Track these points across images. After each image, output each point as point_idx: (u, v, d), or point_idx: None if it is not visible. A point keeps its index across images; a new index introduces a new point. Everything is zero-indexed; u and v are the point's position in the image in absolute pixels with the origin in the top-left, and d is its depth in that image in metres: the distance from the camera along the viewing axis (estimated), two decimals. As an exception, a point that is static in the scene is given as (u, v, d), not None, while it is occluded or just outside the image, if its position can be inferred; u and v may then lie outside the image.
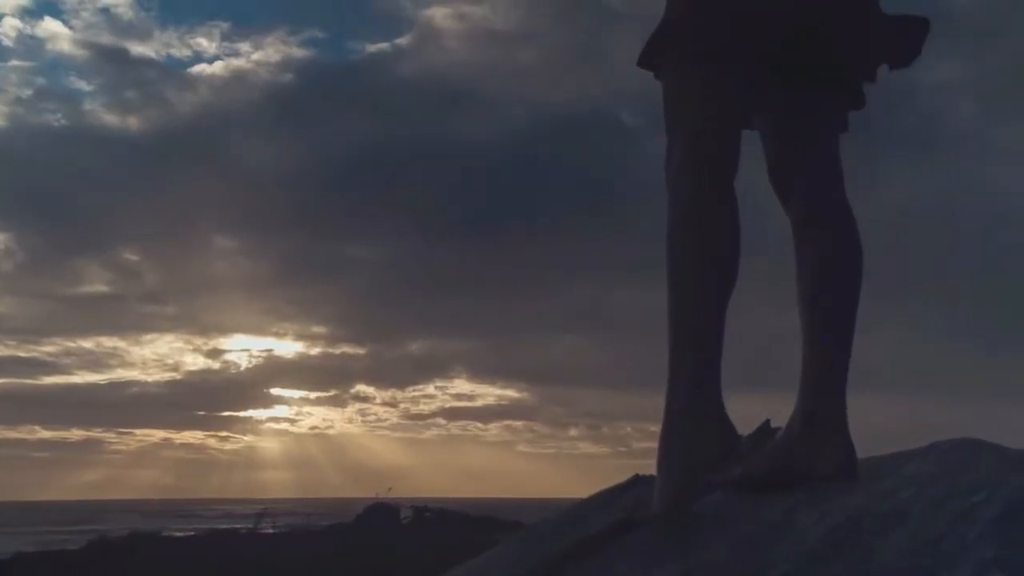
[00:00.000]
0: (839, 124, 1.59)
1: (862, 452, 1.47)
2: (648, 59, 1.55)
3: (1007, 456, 1.39)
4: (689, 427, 1.41)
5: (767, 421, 1.54)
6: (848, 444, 1.44)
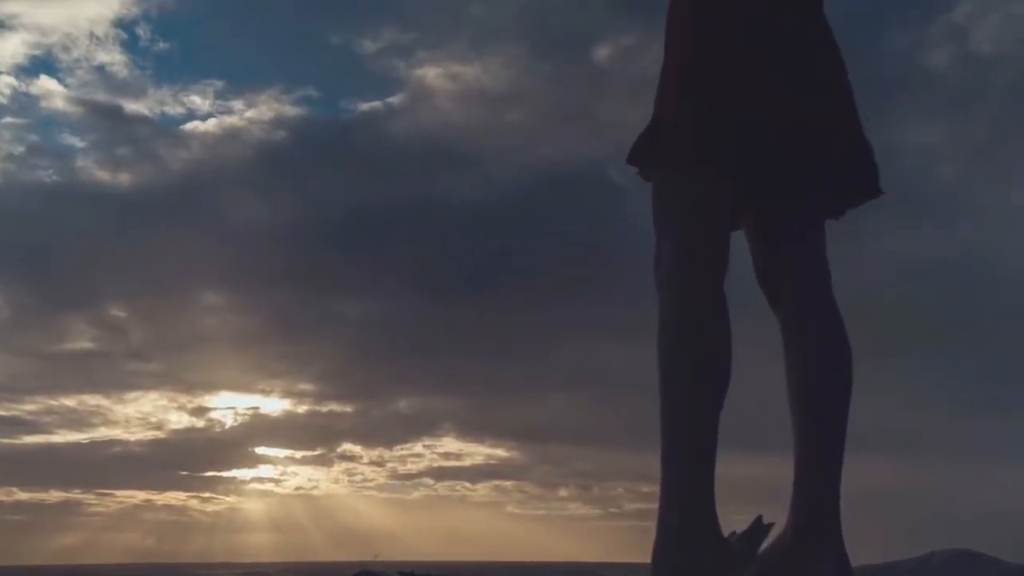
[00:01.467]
0: (831, 212, 1.59)
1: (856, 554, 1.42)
2: (638, 158, 1.54)
3: (1005, 570, 1.35)
4: (682, 550, 1.36)
5: (759, 518, 1.49)
6: (842, 558, 1.40)
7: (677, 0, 1.58)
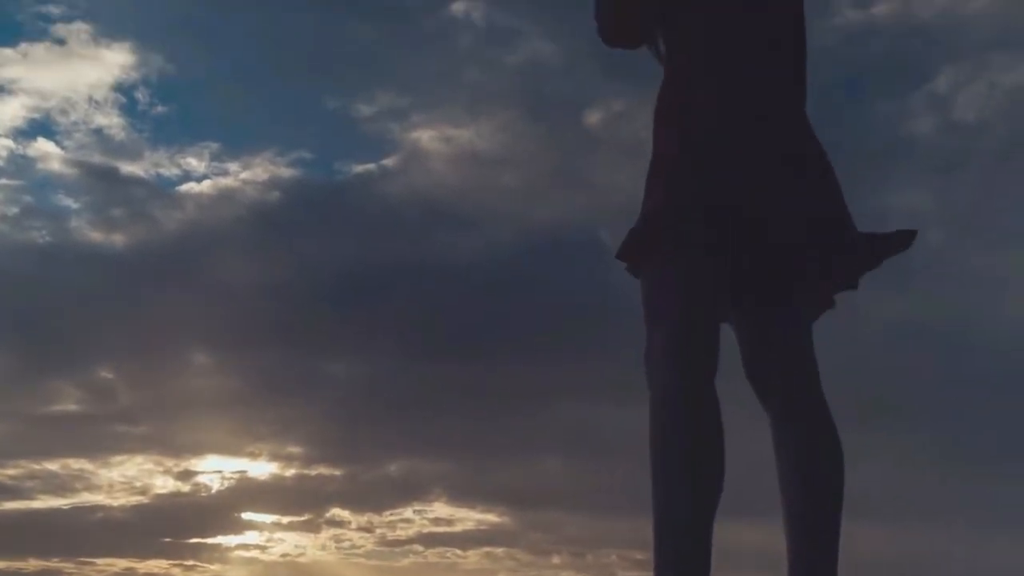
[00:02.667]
0: (820, 305, 1.60)
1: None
2: (628, 253, 1.55)
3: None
4: None
5: None
6: None
7: (664, 98, 1.60)
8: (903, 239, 1.54)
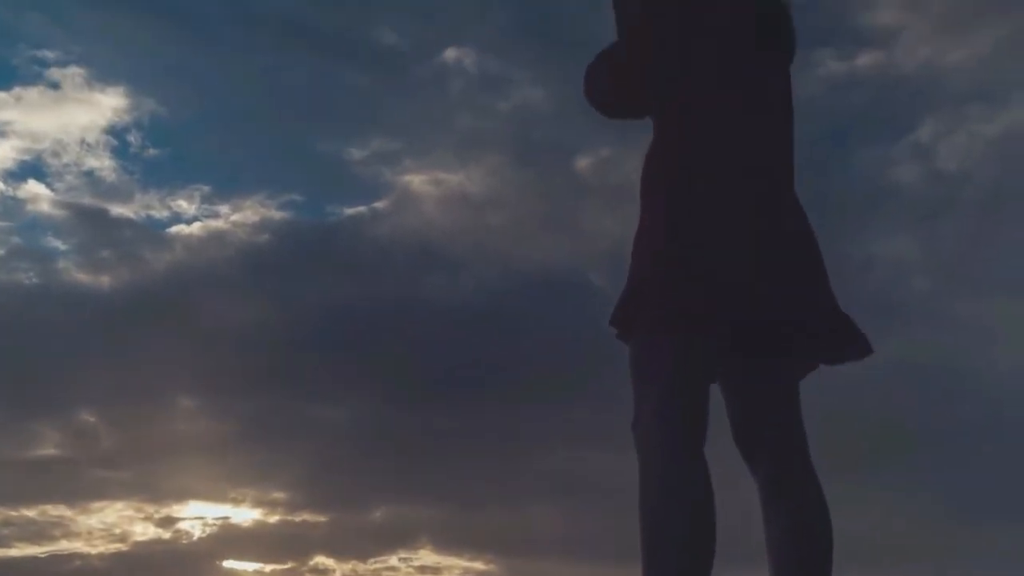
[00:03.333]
0: (806, 370, 1.60)
1: None
2: (618, 321, 1.55)
3: None
4: None
5: None
6: None
7: (653, 167, 1.61)
8: (863, 349, 1.56)
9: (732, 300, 1.47)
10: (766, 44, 1.64)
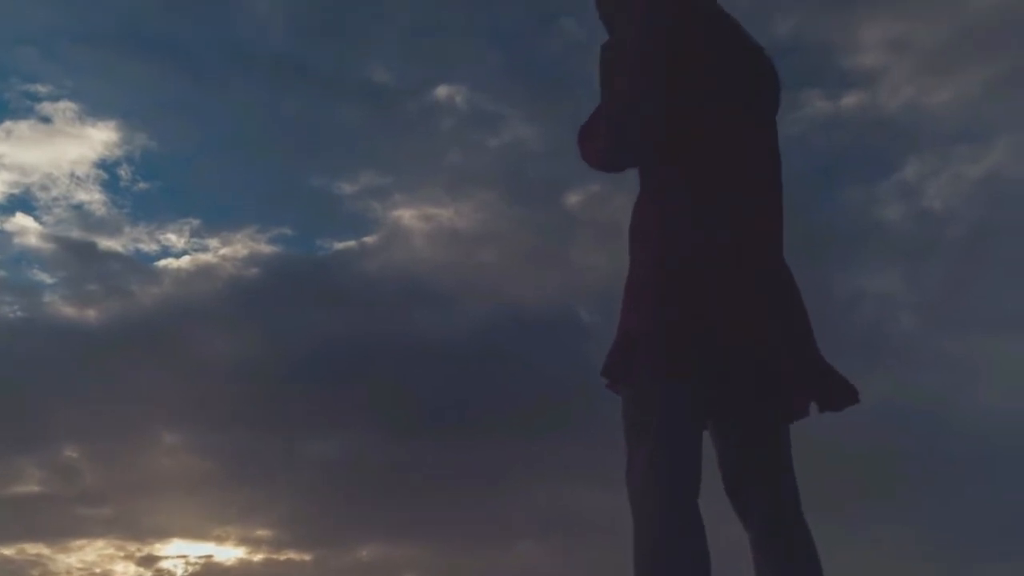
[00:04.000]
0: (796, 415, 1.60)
1: None
2: (610, 372, 1.56)
3: None
4: None
5: None
6: None
7: (642, 216, 1.62)
8: (850, 397, 1.56)
9: (722, 350, 1.48)
10: (754, 97, 1.67)
